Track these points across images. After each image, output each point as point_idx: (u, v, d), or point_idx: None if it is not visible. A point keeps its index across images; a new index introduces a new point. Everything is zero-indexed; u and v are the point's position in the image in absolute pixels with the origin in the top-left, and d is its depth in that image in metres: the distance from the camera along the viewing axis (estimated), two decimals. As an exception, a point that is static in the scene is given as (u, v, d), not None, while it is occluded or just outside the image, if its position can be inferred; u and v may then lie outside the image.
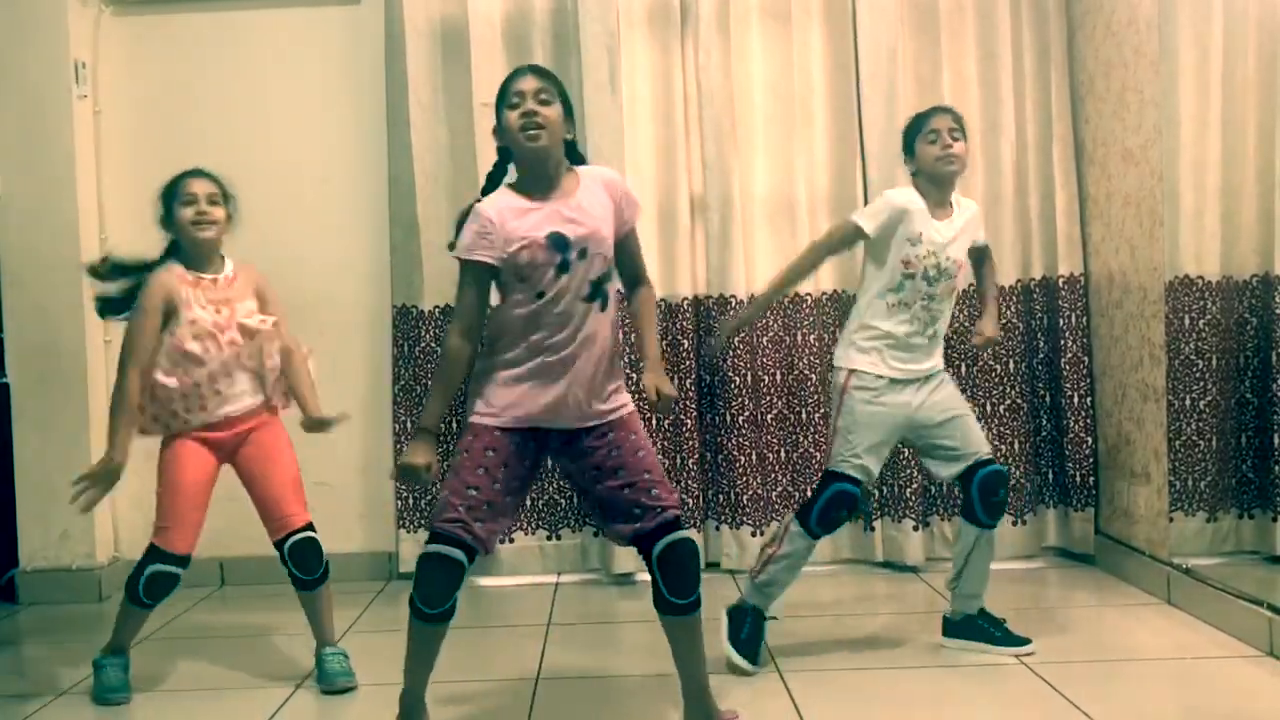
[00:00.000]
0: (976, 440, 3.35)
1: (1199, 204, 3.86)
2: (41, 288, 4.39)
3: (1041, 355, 4.51)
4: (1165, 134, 3.84)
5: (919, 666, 3.29)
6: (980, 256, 3.50)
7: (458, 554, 2.57)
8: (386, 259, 4.51)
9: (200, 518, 3.28)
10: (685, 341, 4.42)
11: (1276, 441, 3.62)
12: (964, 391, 4.41)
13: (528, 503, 4.45)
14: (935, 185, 3.30)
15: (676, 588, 2.62)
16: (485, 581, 4.48)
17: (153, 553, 3.22)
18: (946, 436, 3.32)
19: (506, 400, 2.63)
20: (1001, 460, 4.41)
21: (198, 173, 3.33)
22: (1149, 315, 3.96)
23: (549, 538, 4.51)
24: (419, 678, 2.74)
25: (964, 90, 4.48)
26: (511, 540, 4.47)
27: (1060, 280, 4.45)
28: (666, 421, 4.42)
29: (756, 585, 3.31)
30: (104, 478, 3.16)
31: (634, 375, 4.39)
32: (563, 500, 4.48)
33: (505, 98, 2.64)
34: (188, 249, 3.28)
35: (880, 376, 3.27)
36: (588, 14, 4.37)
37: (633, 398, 2.78)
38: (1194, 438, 3.81)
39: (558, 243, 2.59)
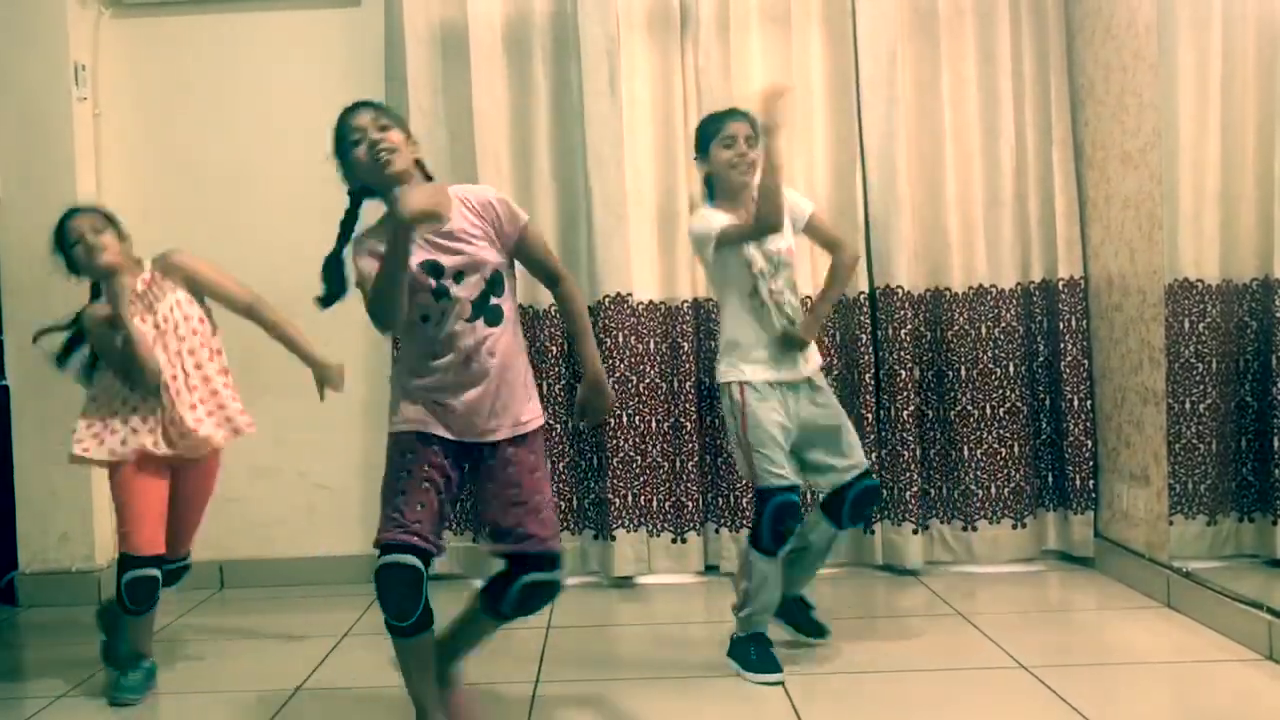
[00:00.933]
0: (857, 452, 3.39)
1: (1198, 207, 3.86)
2: (41, 290, 4.37)
3: (1041, 358, 4.51)
4: (1164, 137, 3.84)
5: (919, 670, 3.29)
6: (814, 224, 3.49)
7: (410, 559, 2.55)
8: (386, 261, 4.51)
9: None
10: (685, 344, 4.42)
11: (1276, 445, 3.62)
12: (964, 394, 4.44)
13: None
14: (728, 187, 3.33)
15: (521, 610, 2.73)
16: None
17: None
18: (828, 444, 3.34)
19: (411, 414, 2.65)
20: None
21: (74, 212, 3.39)
22: (1149, 318, 3.96)
23: (548, 540, 4.50)
24: (423, 689, 2.70)
25: (963, 93, 4.48)
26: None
27: (1060, 283, 4.46)
28: (665, 425, 4.42)
29: (744, 619, 3.29)
30: None
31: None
32: (561, 503, 4.47)
33: (344, 140, 2.72)
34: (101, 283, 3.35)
35: (763, 383, 3.28)
36: (587, 17, 4.37)
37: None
38: (1194, 441, 3.81)
39: (433, 269, 2.61)
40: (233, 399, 3.42)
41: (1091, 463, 4.43)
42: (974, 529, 4.47)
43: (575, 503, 4.47)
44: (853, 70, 4.45)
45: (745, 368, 3.27)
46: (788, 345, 3.29)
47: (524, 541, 2.66)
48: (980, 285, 4.47)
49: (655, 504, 4.44)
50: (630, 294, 4.39)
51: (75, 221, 3.33)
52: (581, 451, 4.46)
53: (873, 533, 4.45)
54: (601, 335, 4.33)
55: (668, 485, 4.45)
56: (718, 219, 3.27)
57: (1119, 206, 4.17)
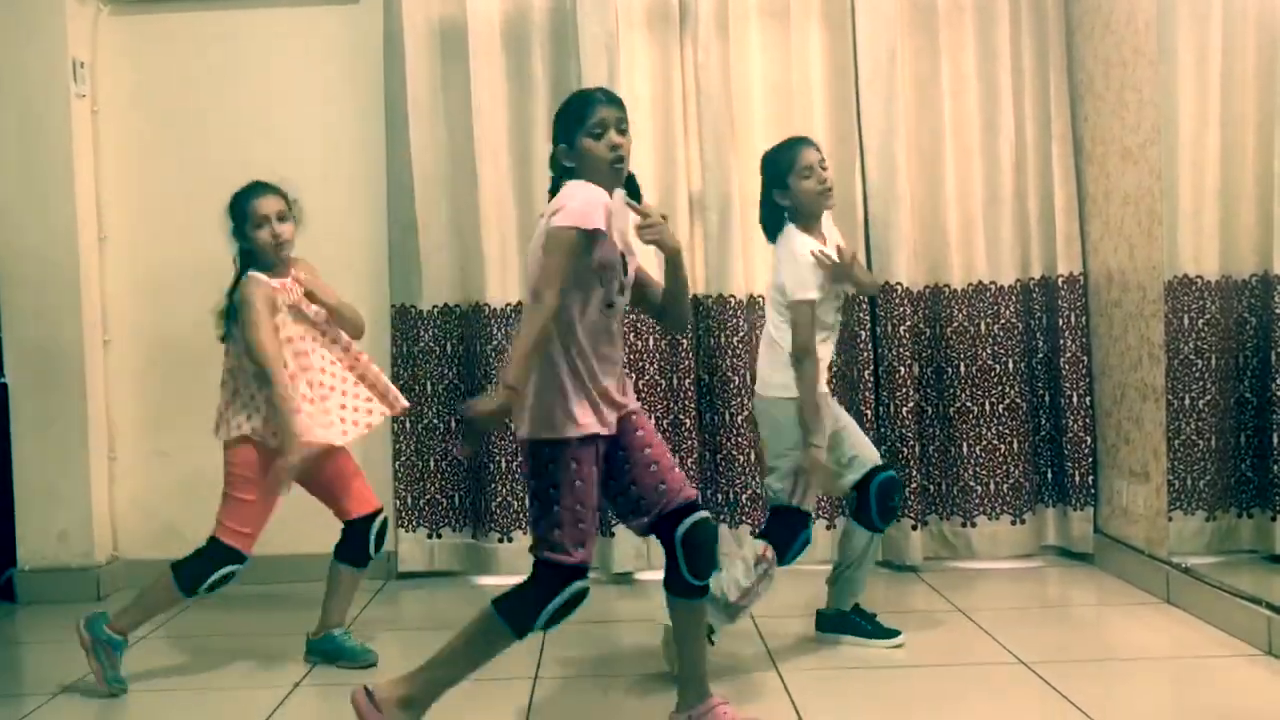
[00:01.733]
0: (868, 448, 3.46)
1: (1197, 203, 3.86)
2: (40, 287, 4.39)
3: (1040, 354, 4.51)
4: (1164, 133, 3.84)
5: (918, 666, 3.29)
6: None
7: (583, 584, 2.62)
8: (385, 258, 4.51)
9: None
10: (684, 341, 4.41)
11: (1275, 441, 3.62)
12: (963, 391, 4.44)
13: (521, 506, 4.46)
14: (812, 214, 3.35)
15: (697, 569, 2.68)
16: (484, 580, 4.47)
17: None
18: (837, 447, 3.37)
19: (585, 417, 2.61)
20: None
21: (262, 188, 3.44)
22: (1148, 314, 3.96)
23: (548, 537, 4.50)
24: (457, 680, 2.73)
25: (963, 89, 4.48)
26: (510, 539, 4.46)
27: (1059, 279, 4.45)
28: (665, 421, 4.41)
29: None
30: None
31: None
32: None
33: (584, 124, 2.63)
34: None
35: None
36: (586, 14, 4.36)
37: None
38: (1193, 437, 3.81)
39: (624, 264, 2.70)
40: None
41: (1091, 459, 4.43)
42: (973, 525, 4.47)
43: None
44: (852, 66, 4.45)
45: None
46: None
47: (672, 493, 2.70)
48: (980, 281, 4.47)
49: (655, 500, 4.43)
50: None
51: (263, 202, 3.36)
52: (581, 448, 4.45)
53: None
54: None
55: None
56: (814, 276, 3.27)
57: (1119, 202, 4.17)
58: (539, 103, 4.44)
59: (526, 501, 2.75)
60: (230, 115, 4.58)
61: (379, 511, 3.53)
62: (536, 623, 2.60)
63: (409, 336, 4.48)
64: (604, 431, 2.63)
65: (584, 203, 2.55)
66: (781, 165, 3.33)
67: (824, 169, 3.32)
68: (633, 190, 2.76)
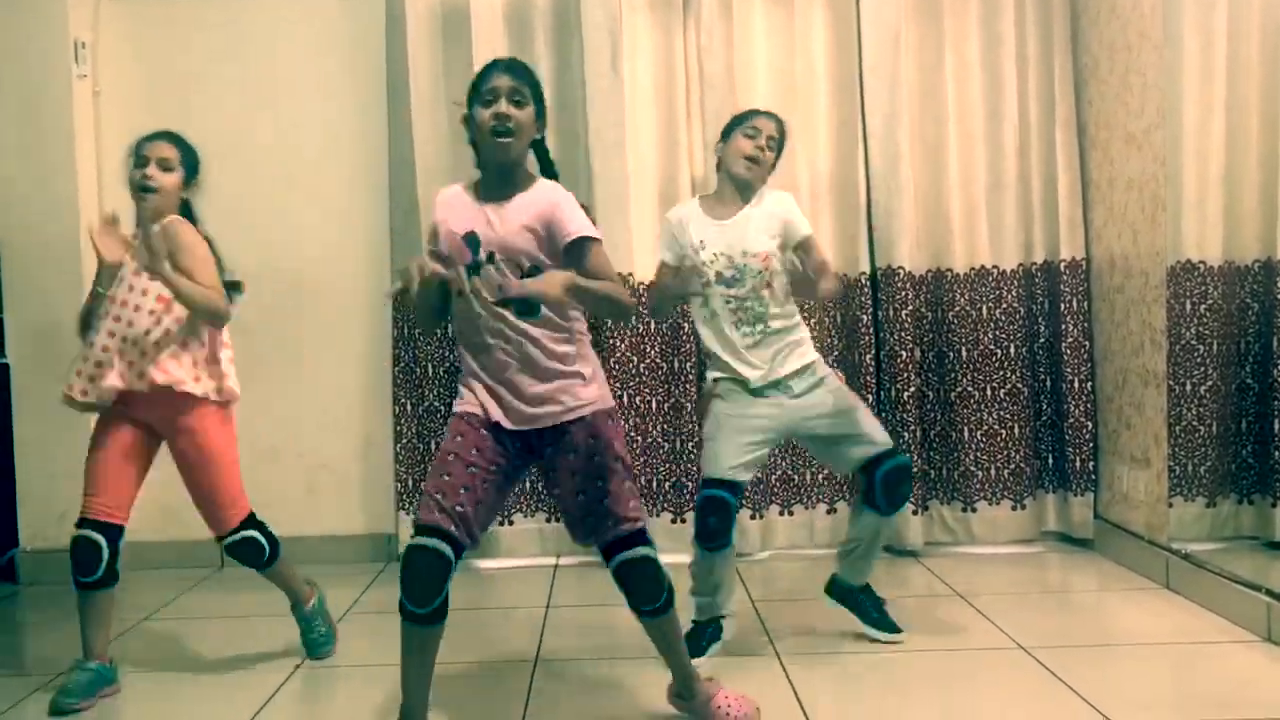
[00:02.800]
0: (878, 430, 3.31)
1: (1201, 189, 3.85)
2: (41, 267, 4.39)
3: (1042, 339, 4.50)
4: (1168, 118, 3.83)
5: (918, 650, 3.30)
6: (803, 248, 3.29)
7: (439, 544, 2.52)
8: (386, 241, 4.50)
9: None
10: (685, 325, 4.41)
11: (1276, 427, 3.62)
12: (964, 375, 4.43)
13: (526, 485, 4.46)
14: (731, 183, 3.30)
15: (639, 598, 2.67)
16: (484, 564, 4.48)
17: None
18: (840, 430, 3.26)
19: (465, 394, 2.65)
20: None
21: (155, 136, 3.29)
22: (1150, 300, 3.95)
23: (548, 520, 4.51)
24: (415, 691, 2.66)
25: (967, 73, 4.47)
26: (510, 523, 4.47)
27: (1062, 264, 4.45)
28: (665, 405, 4.41)
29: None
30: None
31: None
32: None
33: (479, 93, 2.59)
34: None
35: (736, 381, 3.24)
36: (589, -3, 4.35)
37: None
38: (1194, 423, 3.81)
39: (470, 242, 2.57)
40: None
41: (1092, 444, 4.43)
42: (974, 510, 4.47)
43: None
44: (856, 51, 4.43)
45: (713, 370, 3.31)
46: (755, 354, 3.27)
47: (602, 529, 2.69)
48: (982, 266, 4.46)
49: (655, 484, 4.44)
50: (631, 274, 4.39)
51: (152, 144, 3.25)
52: (582, 432, 4.45)
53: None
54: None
55: (667, 465, 4.45)
56: (687, 211, 3.31)
57: (1122, 188, 4.16)
58: (543, 87, 4.42)
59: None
60: (232, 97, 4.56)
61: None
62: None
63: (410, 319, 4.47)
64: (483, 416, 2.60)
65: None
66: (735, 120, 3.33)
67: (769, 145, 3.26)
68: (545, 166, 2.70)
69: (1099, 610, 3.78)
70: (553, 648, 3.42)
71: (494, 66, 2.62)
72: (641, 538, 2.64)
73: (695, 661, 2.94)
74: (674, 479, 4.45)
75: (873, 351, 4.43)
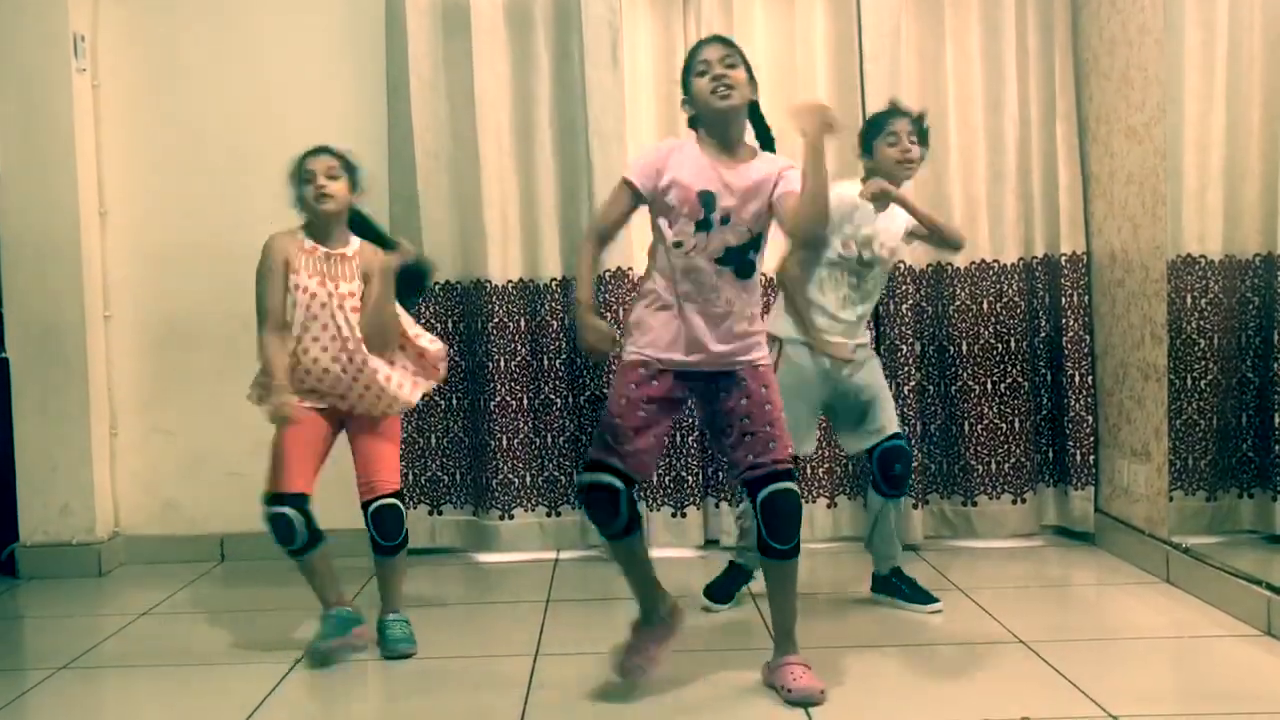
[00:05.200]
0: (889, 418, 3.59)
1: (1202, 183, 3.84)
2: (41, 262, 4.38)
3: (1043, 334, 4.50)
4: (1169, 112, 3.82)
5: (918, 644, 3.30)
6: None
7: (605, 478, 2.83)
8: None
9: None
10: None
11: (1277, 421, 3.62)
12: (965, 370, 4.44)
13: (527, 479, 4.46)
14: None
15: (779, 533, 2.84)
16: (484, 557, 4.49)
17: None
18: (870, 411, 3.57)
19: (648, 335, 2.87)
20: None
21: (316, 151, 3.40)
22: (1151, 294, 3.95)
23: (549, 514, 4.51)
24: (641, 593, 3.02)
25: (967, 66, 4.46)
26: (511, 517, 4.47)
27: (1062, 258, 4.44)
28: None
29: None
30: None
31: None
32: (563, 477, 4.48)
33: (693, 66, 2.86)
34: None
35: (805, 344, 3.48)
36: (589, -12, 4.34)
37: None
38: (1194, 417, 3.81)
39: (705, 201, 2.79)
40: None
41: (1092, 438, 4.43)
42: (974, 504, 4.47)
43: (575, 476, 4.47)
44: (856, 43, 4.42)
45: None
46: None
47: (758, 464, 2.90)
48: (982, 260, 4.45)
49: (655, 478, 4.44)
50: (631, 269, 4.38)
51: (314, 160, 3.36)
52: (582, 426, 4.45)
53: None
54: (603, 310, 4.32)
55: (668, 460, 4.45)
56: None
57: (1123, 181, 4.15)
58: (541, 80, 4.42)
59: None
60: (231, 89, 4.55)
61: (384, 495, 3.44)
62: None
63: (410, 313, 4.45)
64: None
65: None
66: (873, 129, 3.54)
67: (911, 142, 3.45)
68: (761, 133, 2.97)
69: (1099, 604, 3.78)
70: (553, 641, 3.42)
71: (702, 43, 2.93)
72: (792, 476, 2.87)
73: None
74: (674, 473, 4.45)
75: (873, 346, 4.42)
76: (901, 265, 4.37)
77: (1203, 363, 3.78)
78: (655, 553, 4.38)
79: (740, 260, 2.84)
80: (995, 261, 4.45)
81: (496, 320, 4.43)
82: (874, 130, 3.51)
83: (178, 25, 4.57)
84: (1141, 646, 3.25)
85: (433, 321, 4.46)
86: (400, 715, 2.97)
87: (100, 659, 3.39)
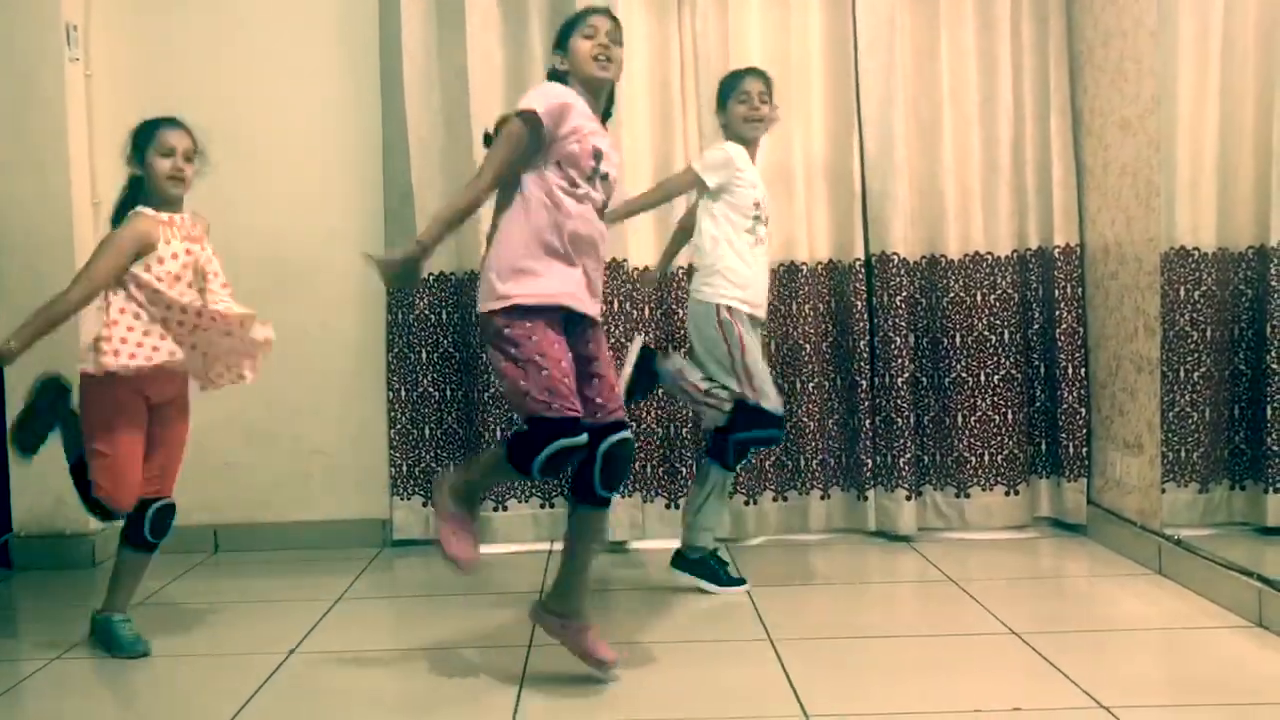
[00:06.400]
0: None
1: (1196, 175, 3.85)
2: (33, 251, 4.36)
3: (1037, 325, 4.50)
4: (1163, 104, 3.82)
5: (911, 636, 3.31)
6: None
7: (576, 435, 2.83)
8: (380, 225, 4.49)
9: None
10: (680, 310, 4.41)
11: (1269, 413, 3.63)
12: (958, 361, 4.45)
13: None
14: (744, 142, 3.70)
15: (611, 480, 2.91)
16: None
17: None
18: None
19: (549, 280, 2.84)
20: (992, 426, 4.43)
21: (173, 123, 3.34)
22: (1144, 286, 3.95)
23: (542, 505, 4.51)
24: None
25: (962, 59, 4.46)
26: (505, 508, 4.47)
27: (1056, 250, 4.45)
28: (660, 391, 4.41)
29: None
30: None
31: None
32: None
33: (579, 27, 2.93)
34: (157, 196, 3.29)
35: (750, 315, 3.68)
36: (584, -20, 4.33)
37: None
38: (1187, 409, 3.82)
39: (597, 155, 2.88)
40: None
41: (1085, 430, 4.44)
42: (967, 496, 4.48)
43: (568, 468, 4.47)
44: (851, 36, 4.42)
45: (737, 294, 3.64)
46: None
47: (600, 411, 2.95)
48: (976, 252, 4.46)
49: (649, 470, 4.44)
50: (625, 260, 4.38)
51: (172, 135, 3.30)
52: (576, 417, 4.45)
53: (866, 499, 4.46)
54: (610, 300, 4.33)
55: (661, 451, 4.45)
56: (739, 153, 3.65)
57: (1116, 173, 4.15)
58: (536, 71, 4.40)
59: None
60: (224, 79, 4.54)
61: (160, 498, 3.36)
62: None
63: (404, 304, 4.46)
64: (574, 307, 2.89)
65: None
66: (727, 88, 3.75)
67: (761, 101, 3.68)
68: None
69: (1092, 595, 3.79)
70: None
71: (594, 10, 3.00)
72: (628, 425, 2.97)
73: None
74: (668, 465, 4.46)
75: (867, 337, 4.43)
76: (895, 257, 4.38)
77: (1195, 355, 3.79)
78: (648, 544, 4.42)
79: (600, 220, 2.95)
80: (989, 254, 4.46)
81: (491, 311, 4.42)
82: (728, 89, 3.72)
83: (171, 15, 4.56)
84: (1133, 638, 3.26)
85: (427, 312, 4.46)
86: (394, 705, 2.98)
87: (94, 650, 3.38)
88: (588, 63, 2.90)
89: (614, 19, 2.98)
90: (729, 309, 3.61)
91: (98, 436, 3.23)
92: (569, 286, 2.86)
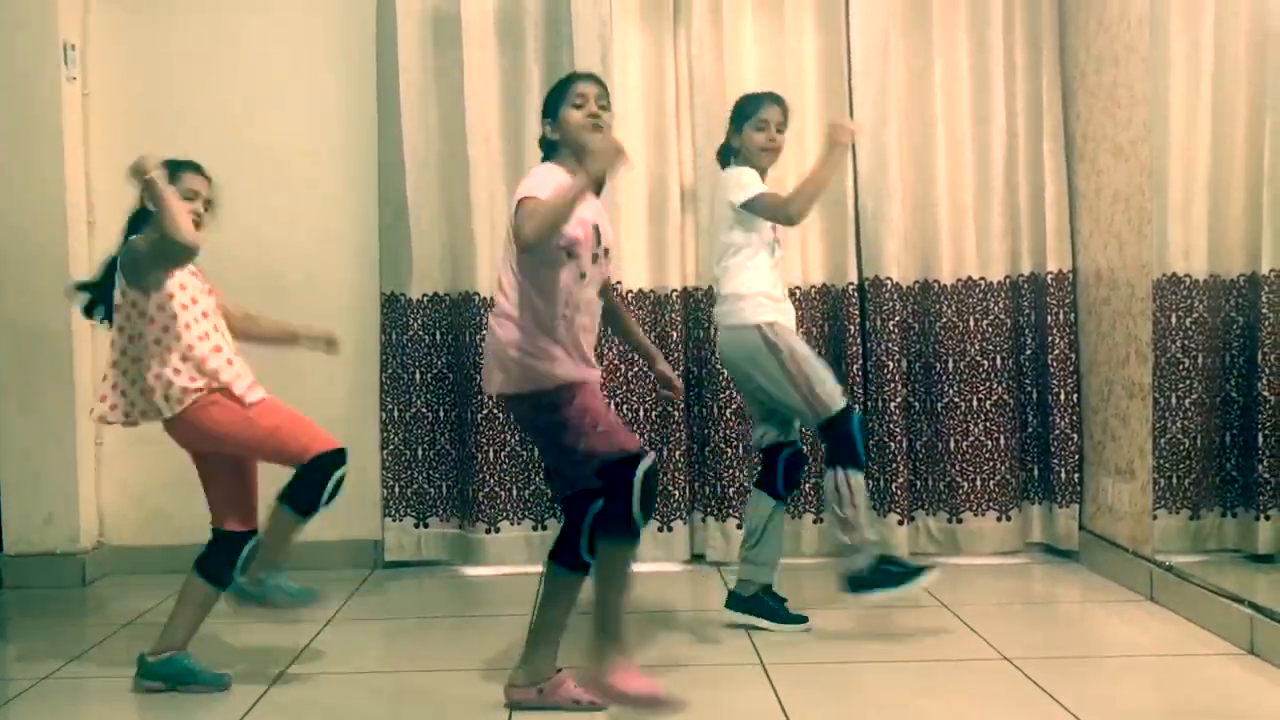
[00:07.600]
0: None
1: (1187, 202, 3.87)
2: (28, 269, 4.37)
3: (1029, 351, 4.51)
4: (1155, 130, 3.84)
5: (902, 661, 3.30)
6: None
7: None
8: (375, 243, 4.50)
9: None
10: (674, 333, 4.42)
11: (1260, 441, 3.63)
12: (951, 386, 4.46)
13: (514, 493, 4.47)
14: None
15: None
16: (471, 571, 4.48)
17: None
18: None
19: (567, 360, 2.84)
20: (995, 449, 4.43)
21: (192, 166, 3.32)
22: (1136, 313, 3.96)
23: (534, 528, 4.50)
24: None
25: (955, 82, 4.48)
26: (498, 530, 4.47)
27: (1048, 276, 4.46)
28: (654, 413, 4.42)
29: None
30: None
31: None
32: (549, 491, 4.47)
33: (567, 96, 2.89)
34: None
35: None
36: (581, 2, 4.35)
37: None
38: (1179, 436, 3.82)
39: (596, 233, 2.89)
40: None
41: (1077, 456, 4.44)
42: (959, 521, 4.48)
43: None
44: (844, 58, 4.45)
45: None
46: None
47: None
48: (969, 277, 4.47)
49: (642, 492, 4.43)
50: (619, 282, 4.39)
51: (195, 180, 3.28)
52: (569, 439, 4.45)
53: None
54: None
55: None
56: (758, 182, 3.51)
57: (1109, 199, 4.17)
58: (532, 90, 4.42)
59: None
60: (221, 97, 4.55)
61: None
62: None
63: (398, 325, 4.47)
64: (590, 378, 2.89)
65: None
66: (745, 111, 3.58)
67: (778, 131, 3.55)
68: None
69: (1083, 621, 3.79)
70: (538, 655, 3.41)
71: (578, 77, 2.99)
72: None
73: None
74: (661, 488, 4.44)
75: (860, 362, 4.43)
76: (889, 282, 4.39)
77: (1187, 382, 3.80)
78: (641, 567, 4.39)
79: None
80: (982, 279, 4.47)
81: (484, 332, 4.41)
82: (748, 112, 3.57)
83: (168, 34, 4.57)
84: (1125, 664, 3.26)
85: (420, 333, 4.46)
86: (384, 729, 2.97)
87: (83, 670, 3.37)
88: (582, 133, 2.86)
89: (600, 84, 2.95)
90: (770, 323, 3.48)
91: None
92: (583, 359, 2.89)
